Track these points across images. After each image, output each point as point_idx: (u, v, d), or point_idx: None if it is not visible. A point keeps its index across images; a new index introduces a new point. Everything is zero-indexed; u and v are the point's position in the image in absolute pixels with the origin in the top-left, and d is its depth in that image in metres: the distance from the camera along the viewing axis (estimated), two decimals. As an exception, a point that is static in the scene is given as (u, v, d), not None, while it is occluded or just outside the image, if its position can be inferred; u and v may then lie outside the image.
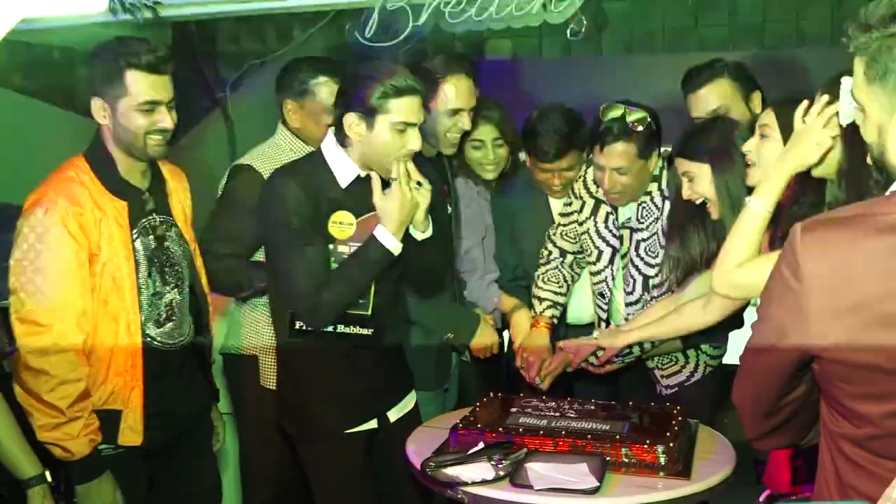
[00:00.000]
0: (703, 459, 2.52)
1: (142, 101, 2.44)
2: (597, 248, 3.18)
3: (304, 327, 2.63)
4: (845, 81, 1.85)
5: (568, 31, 3.47)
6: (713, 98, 3.01)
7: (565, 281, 3.27)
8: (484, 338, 3.16)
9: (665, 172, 3.08)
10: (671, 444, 2.41)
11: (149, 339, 2.54)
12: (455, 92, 3.01)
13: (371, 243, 2.58)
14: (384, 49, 3.67)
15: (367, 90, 2.52)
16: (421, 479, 2.48)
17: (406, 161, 2.58)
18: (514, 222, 3.43)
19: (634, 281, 3.13)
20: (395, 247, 2.58)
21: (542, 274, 3.29)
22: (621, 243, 3.14)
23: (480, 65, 4.27)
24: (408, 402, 2.86)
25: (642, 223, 3.09)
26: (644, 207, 3.09)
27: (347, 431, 2.69)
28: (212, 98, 4.01)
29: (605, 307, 3.23)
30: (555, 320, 3.24)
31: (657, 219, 3.06)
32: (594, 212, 3.19)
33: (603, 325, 3.23)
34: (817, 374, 1.50)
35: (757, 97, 3.08)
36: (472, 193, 3.51)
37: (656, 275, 3.07)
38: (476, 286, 3.41)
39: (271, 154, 3.04)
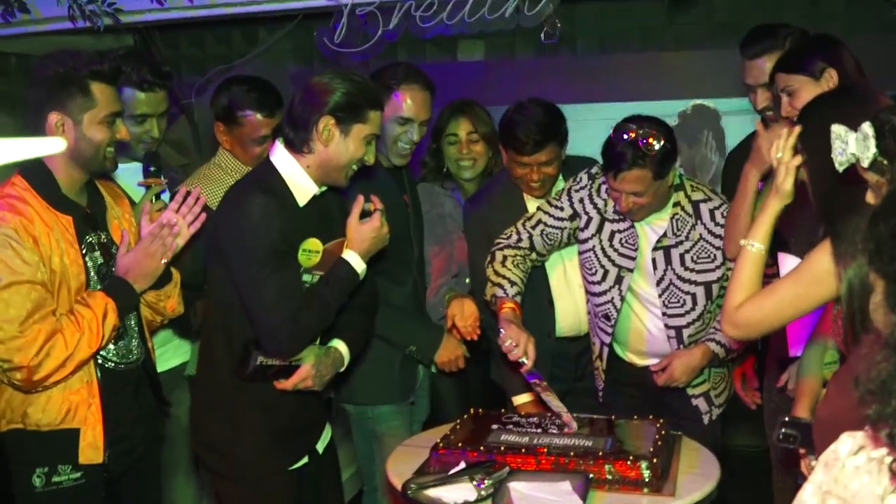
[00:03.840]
0: (686, 473, 2.55)
1: (106, 113, 2.46)
2: (602, 267, 3.09)
3: (265, 362, 2.52)
4: (836, 128, 1.90)
5: (542, 35, 3.49)
6: (768, 69, 2.90)
7: (526, 274, 3.12)
8: (447, 351, 3.15)
9: (686, 181, 3.05)
10: (654, 460, 2.45)
11: (102, 359, 2.53)
12: (409, 101, 3.02)
13: (342, 266, 2.59)
14: (354, 54, 3.67)
15: (354, 98, 2.51)
16: (403, 500, 2.50)
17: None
18: (490, 229, 3.30)
19: (691, 296, 3.03)
20: (363, 271, 2.61)
21: (511, 257, 3.10)
22: (654, 267, 3.03)
23: (453, 67, 4.31)
24: (328, 432, 2.84)
25: (679, 235, 3.02)
26: (678, 219, 3.02)
27: (291, 468, 2.67)
28: (178, 105, 3.99)
29: (610, 330, 3.12)
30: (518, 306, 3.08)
31: (694, 225, 3.01)
32: (599, 229, 3.10)
33: (605, 349, 3.16)
34: None
35: None
36: (435, 198, 3.53)
37: (719, 277, 3.03)
38: (431, 296, 3.42)
39: (212, 175, 3.06)
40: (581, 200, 3.12)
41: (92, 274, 2.52)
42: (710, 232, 3.01)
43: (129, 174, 3.05)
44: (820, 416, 2.07)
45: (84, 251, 2.50)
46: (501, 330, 2.83)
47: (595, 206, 3.11)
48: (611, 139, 2.89)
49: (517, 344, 2.78)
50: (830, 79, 2.67)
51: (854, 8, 3.76)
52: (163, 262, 2.59)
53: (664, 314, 3.06)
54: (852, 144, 1.88)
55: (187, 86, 4.21)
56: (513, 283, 3.02)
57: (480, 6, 3.46)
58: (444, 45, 4.24)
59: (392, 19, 3.56)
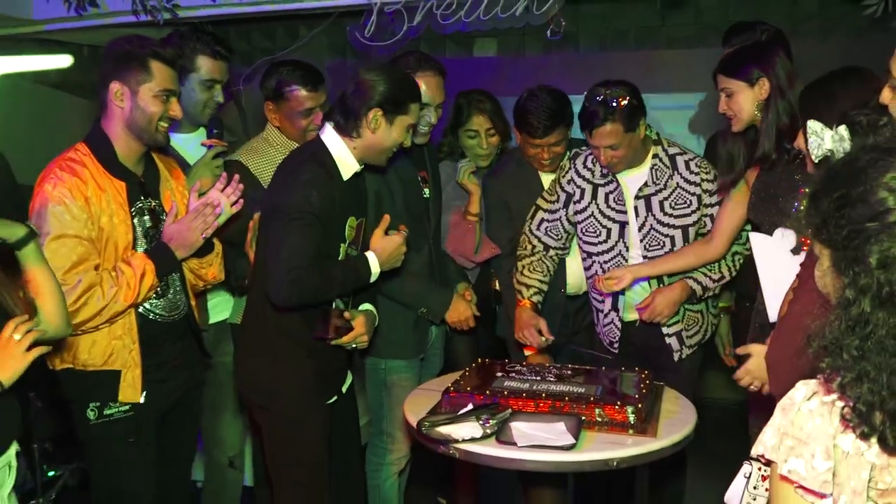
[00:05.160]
0: (667, 418, 2.53)
1: (161, 88, 2.47)
2: (604, 227, 3.10)
3: (338, 325, 2.59)
4: (812, 124, 1.87)
5: (548, 32, 3.44)
6: None
7: (548, 271, 3.19)
8: (456, 312, 3.12)
9: (662, 138, 3.07)
10: (639, 405, 2.43)
11: (146, 311, 2.53)
12: (424, 87, 2.96)
13: (362, 262, 2.63)
14: (382, 48, 3.63)
15: (401, 92, 2.56)
16: (418, 436, 2.49)
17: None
18: (508, 200, 3.37)
19: (669, 238, 3.03)
20: (375, 273, 2.66)
21: (527, 265, 3.18)
22: (636, 214, 3.04)
23: (469, 63, 4.27)
24: (350, 377, 2.88)
25: (658, 183, 3.02)
26: (656, 170, 3.03)
27: (326, 403, 2.71)
28: (228, 92, 3.97)
29: None
30: (539, 305, 3.16)
31: (671, 175, 3.02)
32: (594, 196, 3.11)
33: (620, 298, 3.13)
34: None
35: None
36: (454, 176, 3.51)
37: (695, 222, 3.02)
38: None
39: (260, 149, 3.04)
40: (570, 181, 3.16)
41: (139, 235, 2.52)
42: (685, 180, 3.02)
43: (196, 141, 3.07)
44: (768, 357, 2.06)
45: (134, 214, 2.50)
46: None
47: (583, 177, 3.14)
48: (584, 103, 2.93)
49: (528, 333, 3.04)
50: (763, 86, 2.67)
51: (827, 10, 3.68)
52: (202, 237, 2.56)
53: (644, 256, 3.06)
54: (828, 141, 1.86)
55: (236, 75, 4.17)
56: (528, 287, 3.15)
57: (494, 5, 3.40)
58: (461, 42, 4.19)
59: (416, 17, 3.51)
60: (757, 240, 2.54)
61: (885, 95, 1.67)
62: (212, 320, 3.14)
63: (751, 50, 2.78)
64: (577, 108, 3.24)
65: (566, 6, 3.46)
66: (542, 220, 3.21)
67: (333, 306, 2.64)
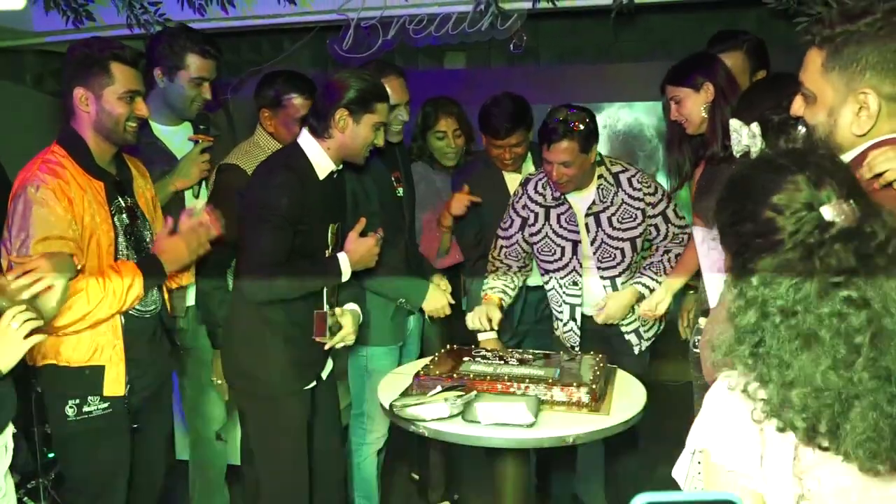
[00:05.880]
0: (619, 398, 2.56)
1: (124, 90, 2.35)
2: (558, 246, 3.08)
3: (331, 325, 2.61)
4: (733, 122, 1.91)
5: (511, 46, 3.46)
6: (727, 64, 2.85)
7: (513, 281, 3.16)
8: (433, 302, 3.11)
9: (605, 158, 3.08)
10: (593, 387, 2.45)
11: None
12: (391, 90, 2.93)
13: (333, 262, 2.60)
14: (358, 59, 3.63)
15: (365, 92, 2.53)
16: (389, 416, 2.50)
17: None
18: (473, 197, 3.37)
19: (619, 250, 3.04)
20: (346, 275, 2.63)
21: (493, 275, 3.16)
22: (588, 231, 3.04)
23: (440, 74, 4.28)
24: (329, 363, 2.85)
25: (605, 201, 3.03)
26: (602, 188, 3.03)
27: (305, 388, 2.69)
28: (217, 100, 3.95)
29: (579, 293, 3.10)
30: (503, 303, 3.11)
31: (616, 192, 3.03)
32: (547, 218, 3.10)
33: (577, 309, 3.13)
34: None
35: (761, 74, 3.03)
36: (429, 175, 3.53)
37: (641, 233, 3.04)
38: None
39: (252, 152, 3.00)
40: (524, 206, 3.15)
41: (119, 233, 2.41)
42: (630, 196, 3.03)
43: (182, 134, 3.02)
44: (702, 346, 2.09)
45: (113, 213, 2.40)
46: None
47: (536, 202, 3.12)
48: (546, 120, 2.94)
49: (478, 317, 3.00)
50: (708, 90, 2.73)
51: (764, 26, 3.73)
52: (194, 256, 2.50)
53: (598, 268, 3.07)
54: (745, 137, 1.91)
55: (224, 84, 4.15)
56: (493, 288, 3.12)
57: (462, 21, 3.42)
58: (432, 55, 4.19)
59: (390, 31, 3.52)
60: (697, 232, 2.59)
61: (797, 104, 1.69)
62: (188, 303, 3.07)
63: (693, 60, 2.83)
64: (537, 116, 3.29)
65: (528, 22, 3.49)
66: (502, 247, 3.19)
67: (325, 309, 2.64)
